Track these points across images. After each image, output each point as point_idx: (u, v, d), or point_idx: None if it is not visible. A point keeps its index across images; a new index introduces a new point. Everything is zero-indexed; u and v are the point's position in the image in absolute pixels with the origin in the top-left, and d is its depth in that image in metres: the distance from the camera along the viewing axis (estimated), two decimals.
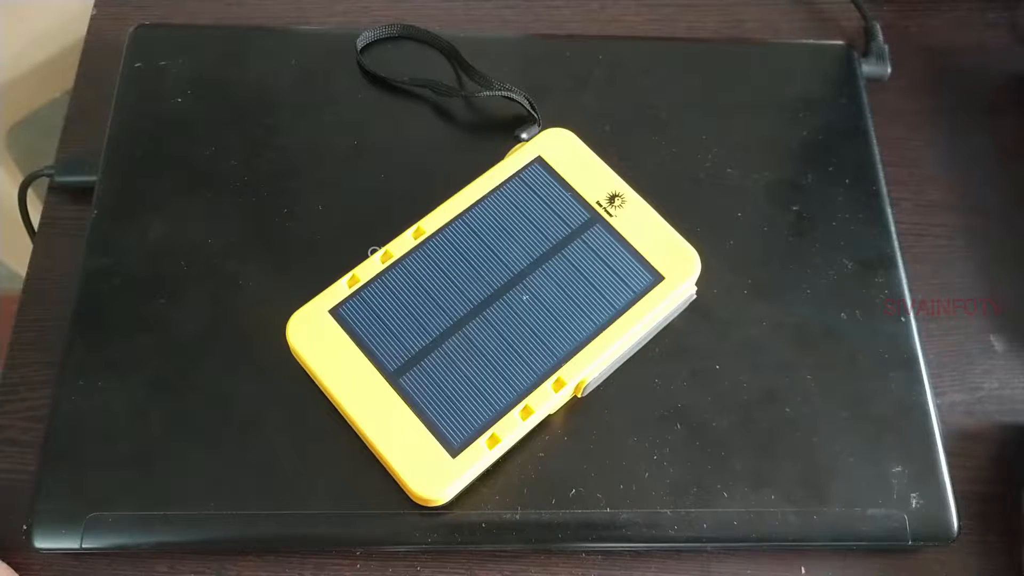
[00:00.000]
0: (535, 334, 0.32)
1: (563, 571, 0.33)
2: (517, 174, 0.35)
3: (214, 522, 0.31)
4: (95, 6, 0.45)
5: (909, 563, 0.33)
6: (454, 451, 0.30)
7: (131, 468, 0.31)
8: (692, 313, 0.35)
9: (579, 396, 0.33)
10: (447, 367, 0.32)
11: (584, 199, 0.35)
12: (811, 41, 0.44)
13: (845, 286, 0.36)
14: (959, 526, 0.32)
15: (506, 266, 0.33)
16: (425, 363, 0.32)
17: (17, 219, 0.41)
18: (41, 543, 0.30)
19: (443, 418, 0.31)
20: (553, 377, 0.31)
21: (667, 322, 0.34)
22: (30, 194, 0.41)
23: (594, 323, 0.32)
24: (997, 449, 0.36)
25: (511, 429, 0.31)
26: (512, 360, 0.32)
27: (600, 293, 0.33)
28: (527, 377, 0.31)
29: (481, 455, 0.30)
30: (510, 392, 0.31)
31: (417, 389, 0.31)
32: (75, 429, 0.32)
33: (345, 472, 0.31)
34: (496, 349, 0.32)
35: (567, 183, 0.35)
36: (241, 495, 0.31)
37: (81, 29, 0.45)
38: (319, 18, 0.44)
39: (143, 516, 0.31)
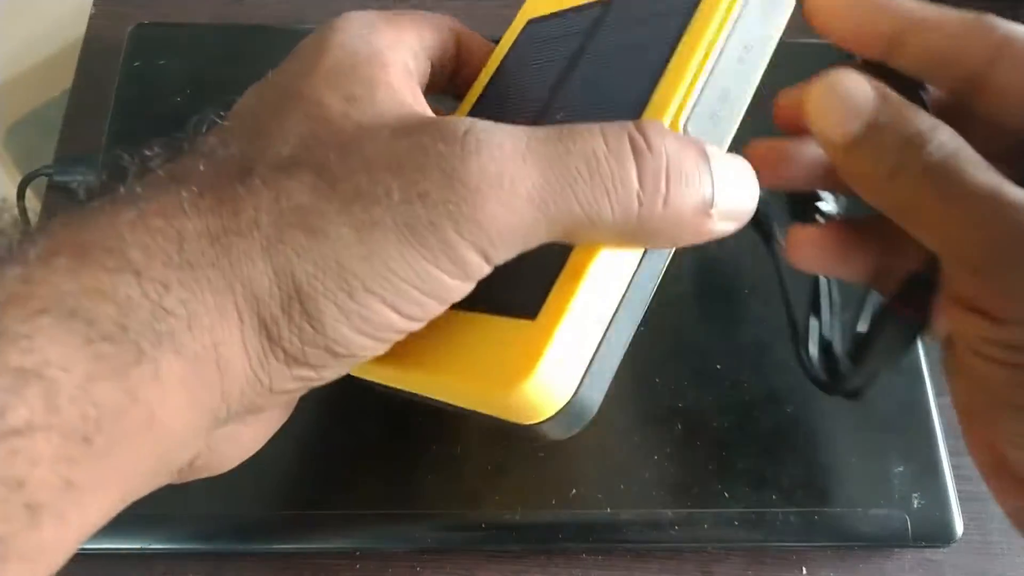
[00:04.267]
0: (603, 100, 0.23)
1: (563, 571, 0.33)
2: None
3: (212, 523, 0.31)
4: (94, 5, 0.45)
5: (911, 563, 0.33)
6: (532, 311, 0.21)
7: None
8: (693, 313, 0.35)
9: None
10: None
11: None
12: (812, 41, 0.43)
13: (846, 287, 0.36)
14: (961, 526, 0.32)
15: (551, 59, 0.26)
16: None
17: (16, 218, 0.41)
18: None
19: (501, 290, 0.21)
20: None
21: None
22: (29, 193, 0.41)
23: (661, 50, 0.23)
24: None
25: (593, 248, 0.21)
26: None
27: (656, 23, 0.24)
28: None
29: (570, 295, 0.20)
30: None
31: None
32: None
33: (345, 472, 0.31)
34: None
35: None
36: (240, 496, 0.31)
37: (80, 28, 0.45)
38: (318, 17, 0.44)
39: (140, 516, 0.30)
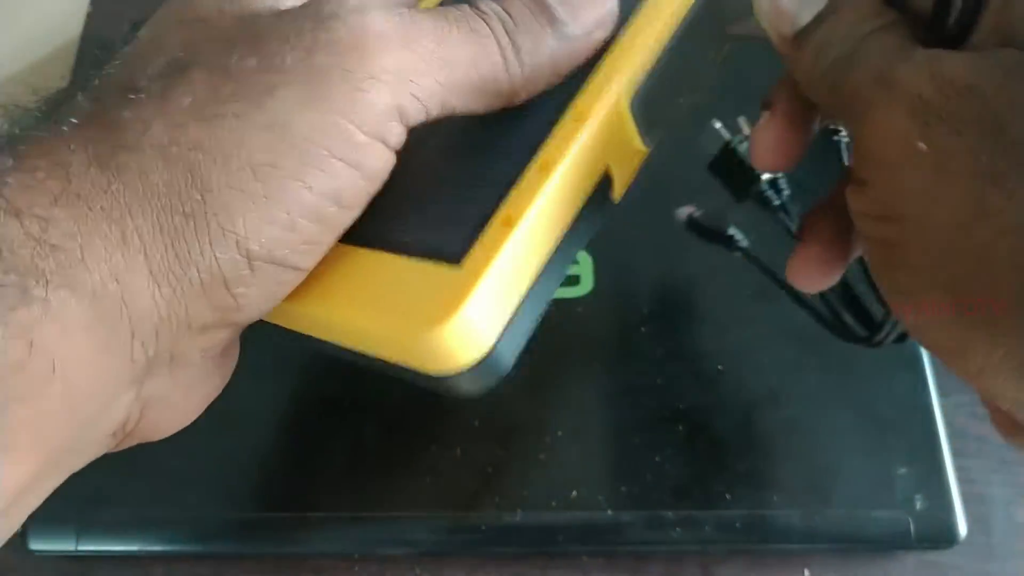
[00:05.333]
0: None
1: (563, 574, 0.33)
2: None
3: (211, 525, 0.30)
4: (91, 3, 0.45)
5: (913, 566, 0.33)
6: (457, 256, 0.19)
7: (127, 470, 0.31)
8: (694, 314, 0.35)
9: (628, 113, 0.22)
10: (409, 181, 0.22)
11: None
12: None
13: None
14: (964, 528, 0.32)
15: None
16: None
17: None
18: (36, 545, 0.30)
19: (423, 232, 0.21)
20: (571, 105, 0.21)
21: None
22: None
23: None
24: (1003, 451, 0.36)
25: (533, 191, 0.20)
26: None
27: None
28: (538, 112, 0.22)
29: (500, 243, 0.19)
30: (517, 146, 0.21)
31: (377, 226, 0.21)
32: None
33: (344, 474, 0.31)
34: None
35: None
36: (238, 497, 0.31)
37: (77, 27, 0.45)
38: None
39: (139, 519, 0.30)
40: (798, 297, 0.29)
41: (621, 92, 0.21)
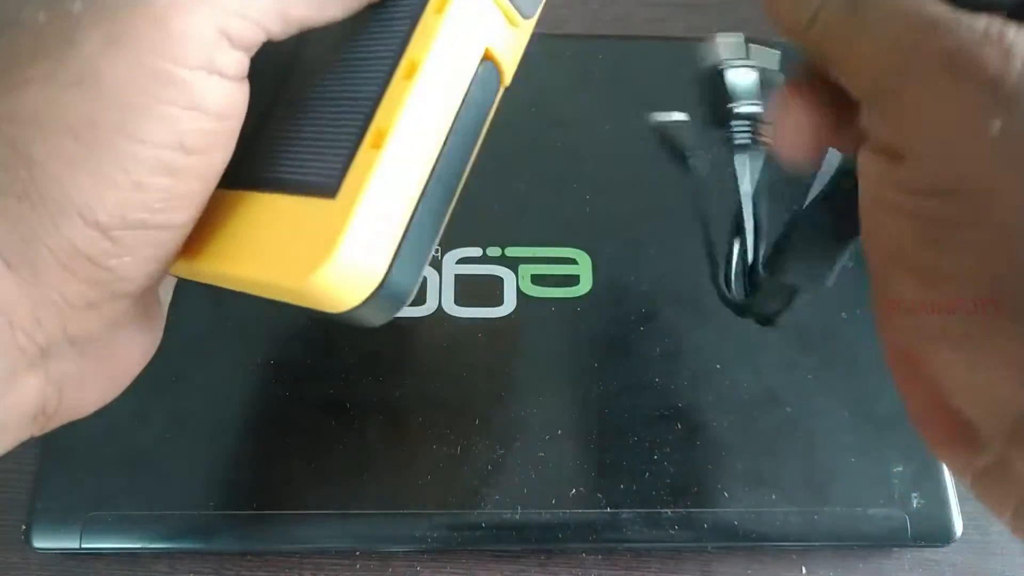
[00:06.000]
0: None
1: (563, 571, 0.33)
2: None
3: (213, 522, 0.31)
4: None
5: (910, 563, 0.33)
6: (332, 189, 0.18)
7: (131, 468, 0.31)
8: (692, 313, 0.35)
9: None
10: (283, 111, 0.21)
11: None
12: None
13: (846, 285, 0.36)
14: (960, 526, 0.32)
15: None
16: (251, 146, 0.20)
17: None
18: (40, 543, 0.30)
19: (298, 167, 0.20)
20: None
21: None
22: None
23: None
24: None
25: (398, 100, 0.18)
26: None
27: None
28: (401, 13, 0.20)
29: (369, 167, 0.18)
30: (382, 52, 0.19)
31: (256, 165, 0.20)
32: (75, 428, 0.32)
33: (344, 471, 0.31)
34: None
35: None
36: (240, 495, 0.31)
37: None
38: None
39: (142, 516, 0.31)
40: (709, 242, 0.27)
41: None
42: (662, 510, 0.31)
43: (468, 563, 0.33)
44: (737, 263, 0.26)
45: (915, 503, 0.32)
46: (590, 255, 0.36)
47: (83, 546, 0.30)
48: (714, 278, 0.26)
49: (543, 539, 0.31)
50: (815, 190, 0.23)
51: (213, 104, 0.17)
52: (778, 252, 0.23)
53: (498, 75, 0.21)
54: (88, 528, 0.30)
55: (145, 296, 0.20)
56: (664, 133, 0.28)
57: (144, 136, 0.17)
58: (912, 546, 0.32)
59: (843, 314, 0.35)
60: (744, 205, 0.25)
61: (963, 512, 0.32)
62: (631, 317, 0.35)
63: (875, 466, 0.32)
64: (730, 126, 0.24)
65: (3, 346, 0.17)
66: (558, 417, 0.33)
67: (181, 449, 0.32)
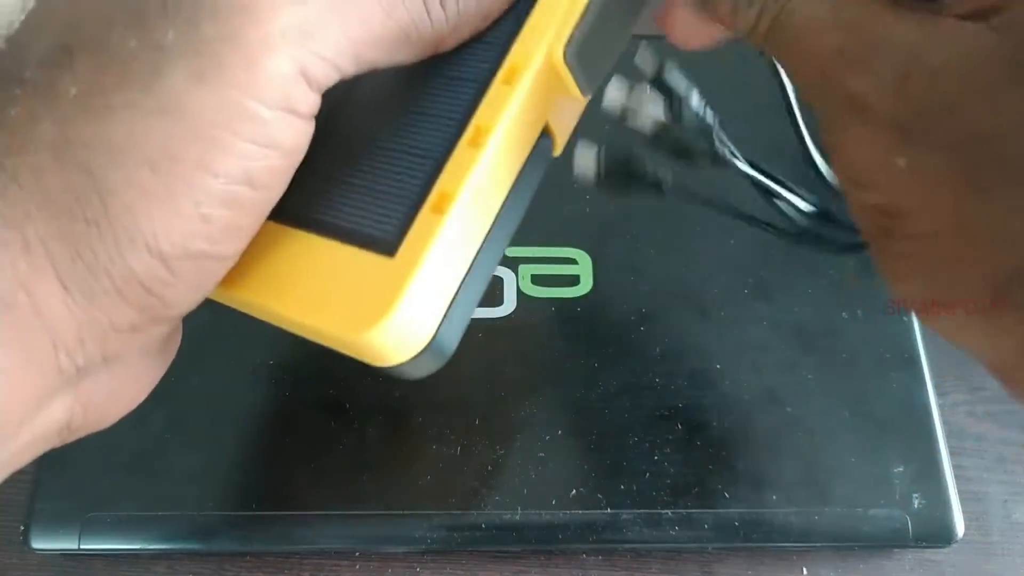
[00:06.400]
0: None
1: (563, 572, 0.33)
2: None
3: (212, 523, 0.31)
4: None
5: (911, 564, 0.33)
6: (391, 246, 0.19)
7: (130, 468, 0.31)
8: (692, 313, 0.35)
9: (563, 60, 0.20)
10: (338, 148, 0.21)
11: None
12: None
13: (846, 285, 0.36)
14: (962, 527, 0.32)
15: None
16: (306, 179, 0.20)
17: None
18: (38, 543, 0.30)
19: (355, 216, 0.20)
20: (504, 65, 0.20)
21: None
22: None
23: None
24: (1000, 449, 0.36)
25: (466, 167, 0.19)
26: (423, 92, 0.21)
27: None
28: (468, 68, 0.20)
29: (433, 231, 0.18)
30: (448, 109, 0.20)
31: (308, 201, 0.20)
32: None
33: (344, 472, 0.31)
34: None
35: None
36: (239, 496, 0.31)
37: None
38: None
39: (141, 517, 0.30)
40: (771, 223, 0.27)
41: (554, 42, 0.19)
42: (662, 511, 0.31)
43: (468, 564, 0.33)
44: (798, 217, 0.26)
45: (916, 503, 0.32)
46: (590, 255, 0.35)
47: (82, 547, 0.30)
48: (783, 222, 0.26)
49: (543, 540, 0.31)
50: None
51: (286, 142, 0.18)
52: None
53: (551, 146, 0.22)
54: (87, 529, 0.30)
55: (175, 324, 0.21)
56: (618, 165, 0.28)
57: (219, 170, 0.17)
58: (913, 547, 0.32)
59: (843, 314, 0.35)
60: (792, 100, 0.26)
61: (964, 513, 0.32)
62: (631, 317, 0.34)
63: (876, 466, 0.32)
64: (666, 90, 0.25)
65: (44, 366, 0.17)
66: (558, 417, 0.33)
67: (180, 449, 0.31)
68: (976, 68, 0.16)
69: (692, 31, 0.22)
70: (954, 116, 0.16)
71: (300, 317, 0.19)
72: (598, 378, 0.33)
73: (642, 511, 0.31)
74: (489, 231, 0.19)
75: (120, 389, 0.21)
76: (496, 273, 0.35)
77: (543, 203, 0.37)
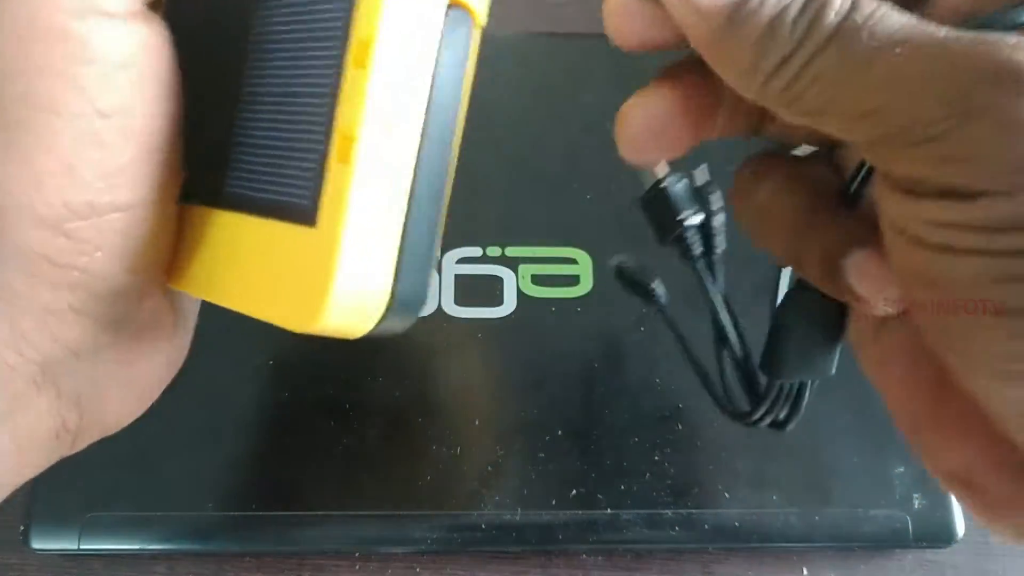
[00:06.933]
0: None
1: (563, 572, 0.33)
2: None
3: (212, 523, 0.31)
4: None
5: (911, 564, 0.33)
6: (310, 214, 0.16)
7: (129, 469, 0.31)
8: (693, 312, 0.35)
9: None
10: (228, 104, 0.18)
11: None
12: None
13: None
14: (962, 527, 0.32)
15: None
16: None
17: None
18: (38, 544, 0.30)
19: (269, 185, 0.17)
20: None
21: None
22: None
23: None
24: None
25: (358, 95, 0.15)
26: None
27: None
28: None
29: (345, 186, 0.15)
30: (322, 39, 0.16)
31: (224, 180, 0.18)
32: None
33: (344, 473, 0.31)
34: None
35: None
36: (239, 496, 0.31)
37: None
38: None
39: (141, 517, 0.30)
40: (695, 361, 0.26)
41: None
42: (663, 511, 0.31)
43: (468, 564, 0.33)
44: (730, 372, 0.25)
45: (917, 504, 0.32)
46: (590, 255, 0.35)
47: (81, 547, 0.30)
48: (713, 395, 0.25)
49: (543, 540, 0.31)
50: (784, 281, 0.23)
51: (111, 52, 0.16)
52: (773, 352, 0.22)
53: (469, 17, 0.17)
54: (86, 529, 0.30)
55: (150, 300, 0.20)
56: (623, 273, 0.28)
57: (55, 106, 0.15)
58: (914, 547, 0.32)
59: None
60: (719, 310, 0.25)
61: (965, 513, 0.32)
62: (631, 317, 0.34)
63: (876, 467, 0.32)
64: (685, 239, 0.24)
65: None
66: (558, 417, 0.33)
67: (180, 450, 0.31)
68: None
69: (634, 23, 0.19)
70: None
71: (250, 312, 0.18)
72: (598, 378, 0.33)
73: (642, 511, 0.31)
74: (418, 158, 0.16)
75: (117, 382, 0.20)
76: (496, 273, 0.35)
77: (543, 203, 0.37)
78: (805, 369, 0.22)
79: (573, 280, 0.35)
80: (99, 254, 0.17)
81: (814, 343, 0.21)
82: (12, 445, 0.18)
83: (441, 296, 0.34)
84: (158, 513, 0.30)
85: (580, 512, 0.31)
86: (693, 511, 0.31)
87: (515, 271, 0.35)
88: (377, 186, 0.16)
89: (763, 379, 0.23)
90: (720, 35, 0.16)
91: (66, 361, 0.18)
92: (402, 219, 0.16)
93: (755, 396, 0.24)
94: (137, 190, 0.17)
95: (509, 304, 0.34)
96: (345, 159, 0.15)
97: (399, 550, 0.32)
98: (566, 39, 0.42)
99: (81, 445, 0.20)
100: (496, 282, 0.35)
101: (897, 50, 0.14)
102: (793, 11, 0.15)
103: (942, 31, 0.14)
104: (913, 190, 0.15)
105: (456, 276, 0.35)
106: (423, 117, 0.16)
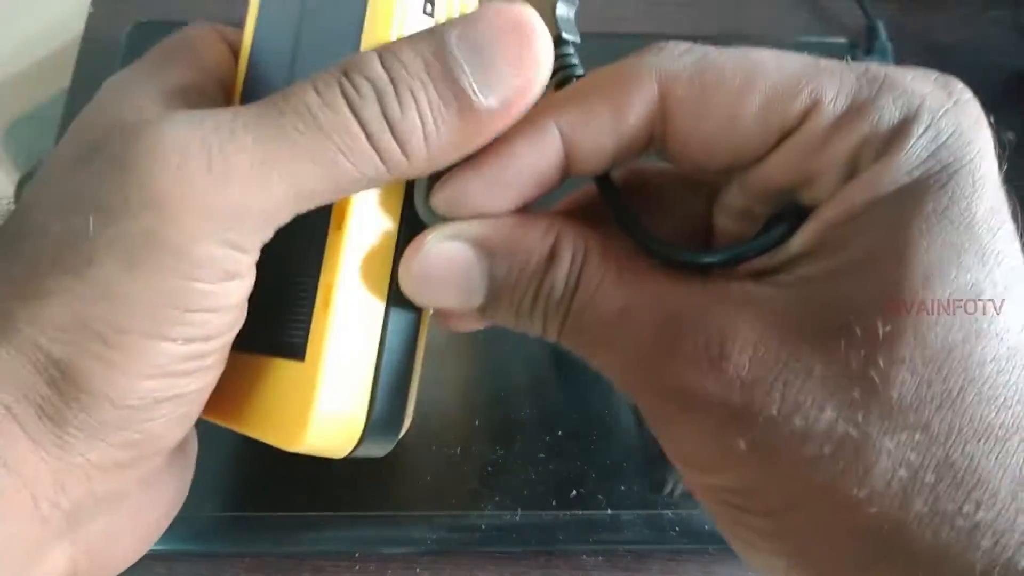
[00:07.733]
0: None
1: (563, 573, 0.33)
2: None
3: (211, 524, 0.31)
4: (92, 4, 0.45)
5: None
6: (301, 350, 0.19)
7: None
8: None
9: None
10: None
11: None
12: (814, 39, 0.43)
13: None
14: None
15: None
16: None
17: None
18: None
19: (276, 328, 0.20)
20: None
21: None
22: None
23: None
24: None
25: (335, 253, 0.19)
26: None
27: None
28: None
29: (324, 327, 0.19)
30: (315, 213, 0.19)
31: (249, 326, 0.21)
32: None
33: (343, 473, 0.31)
34: None
35: None
36: (238, 497, 0.31)
37: (78, 27, 0.45)
38: None
39: None
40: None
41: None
42: (663, 511, 0.31)
43: (467, 565, 0.33)
44: None
45: None
46: None
47: None
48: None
49: (543, 540, 0.31)
50: None
51: (234, 299, 0.18)
52: None
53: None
54: None
55: (182, 444, 0.20)
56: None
57: (174, 336, 0.17)
58: None
59: None
60: None
61: None
62: None
63: None
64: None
65: (26, 520, 0.17)
66: (558, 417, 0.33)
67: None
68: (782, 330, 0.16)
69: (472, 326, 0.22)
70: (786, 386, 0.16)
71: (250, 433, 0.20)
72: (598, 378, 0.33)
73: (642, 512, 0.31)
74: (387, 299, 0.19)
75: (130, 526, 0.20)
76: None
77: (543, 203, 0.37)
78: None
79: None
80: (161, 421, 0.18)
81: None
82: None
83: None
84: None
85: (580, 512, 0.31)
86: (693, 512, 0.31)
87: None
88: (351, 328, 0.19)
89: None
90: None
91: (92, 510, 0.19)
92: (374, 356, 0.19)
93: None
94: (208, 378, 0.19)
95: None
96: (325, 304, 0.19)
97: (399, 550, 0.32)
98: None
99: None
100: None
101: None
102: (525, 307, 0.19)
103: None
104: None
105: None
106: (390, 268, 0.19)
